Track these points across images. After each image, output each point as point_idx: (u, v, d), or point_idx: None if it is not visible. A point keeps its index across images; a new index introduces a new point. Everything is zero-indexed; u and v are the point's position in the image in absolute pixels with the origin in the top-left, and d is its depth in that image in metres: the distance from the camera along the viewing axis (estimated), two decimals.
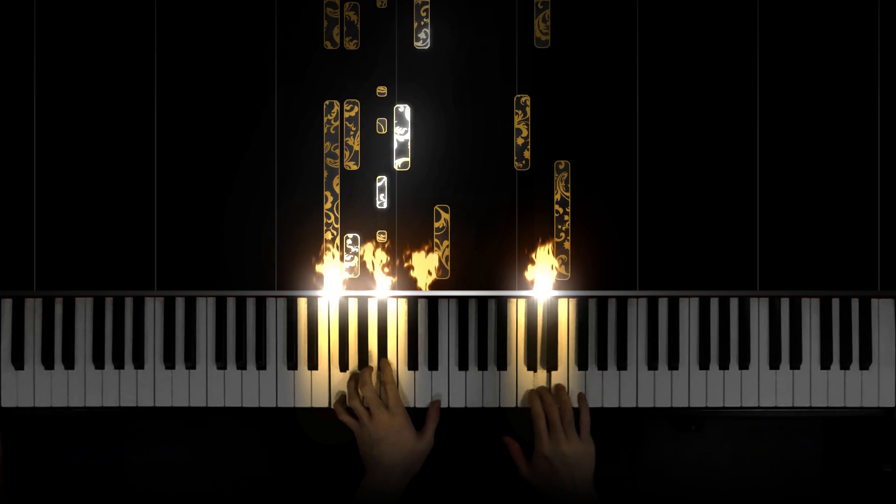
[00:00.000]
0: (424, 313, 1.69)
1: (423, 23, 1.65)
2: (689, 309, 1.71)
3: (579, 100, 1.66)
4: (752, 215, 1.67)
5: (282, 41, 1.65)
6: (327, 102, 1.65)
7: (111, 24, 1.66)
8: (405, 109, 1.66)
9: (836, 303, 1.71)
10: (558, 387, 1.68)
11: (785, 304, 1.71)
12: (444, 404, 1.70)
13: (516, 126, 1.66)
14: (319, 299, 1.69)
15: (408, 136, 1.67)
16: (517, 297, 1.69)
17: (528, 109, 1.66)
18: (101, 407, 1.69)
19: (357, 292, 1.67)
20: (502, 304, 1.69)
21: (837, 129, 1.67)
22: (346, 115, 1.66)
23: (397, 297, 1.69)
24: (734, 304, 1.70)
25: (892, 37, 1.67)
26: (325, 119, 1.65)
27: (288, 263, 1.66)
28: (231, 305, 1.70)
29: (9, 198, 1.66)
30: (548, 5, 1.65)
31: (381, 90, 1.66)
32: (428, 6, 1.65)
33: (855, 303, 1.70)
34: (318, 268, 1.66)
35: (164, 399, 1.69)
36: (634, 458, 1.95)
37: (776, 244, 1.67)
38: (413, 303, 1.69)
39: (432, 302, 1.69)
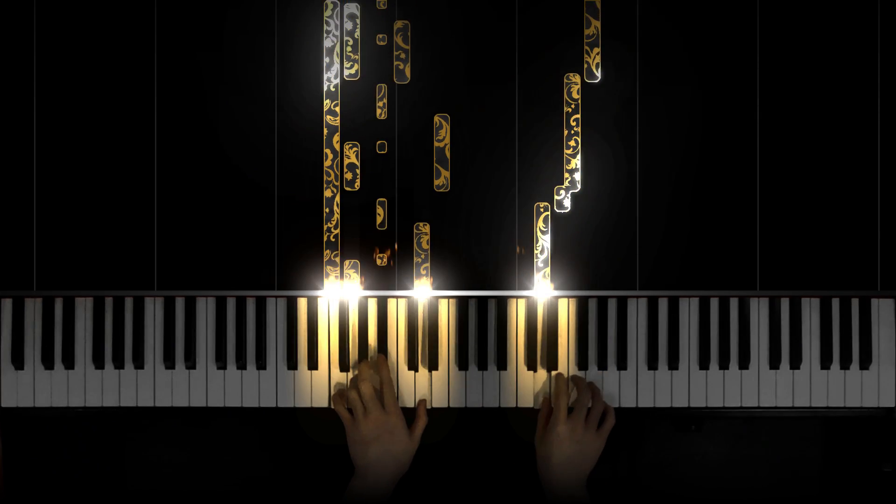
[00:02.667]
0: (424, 313, 1.69)
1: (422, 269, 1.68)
2: (689, 309, 1.70)
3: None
4: (752, 215, 1.67)
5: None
6: None
7: (111, 25, 1.66)
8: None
9: (836, 303, 1.71)
10: (591, 383, 1.67)
11: (785, 304, 1.71)
12: (444, 404, 1.70)
13: None
14: (319, 299, 1.69)
15: None
16: (517, 297, 1.69)
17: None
18: (101, 407, 1.69)
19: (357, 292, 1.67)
20: (502, 304, 1.69)
21: (837, 129, 1.67)
22: None
23: (397, 296, 1.69)
24: (734, 304, 1.70)
25: (892, 37, 1.67)
26: None
27: (288, 263, 1.66)
28: (231, 305, 1.70)
29: (9, 198, 1.66)
30: (548, 228, 1.66)
31: None
32: (428, 265, 1.66)
33: (855, 303, 1.70)
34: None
35: (164, 399, 1.69)
36: (634, 458, 1.95)
37: (776, 244, 1.67)
38: (413, 303, 1.69)
39: (432, 302, 1.69)
